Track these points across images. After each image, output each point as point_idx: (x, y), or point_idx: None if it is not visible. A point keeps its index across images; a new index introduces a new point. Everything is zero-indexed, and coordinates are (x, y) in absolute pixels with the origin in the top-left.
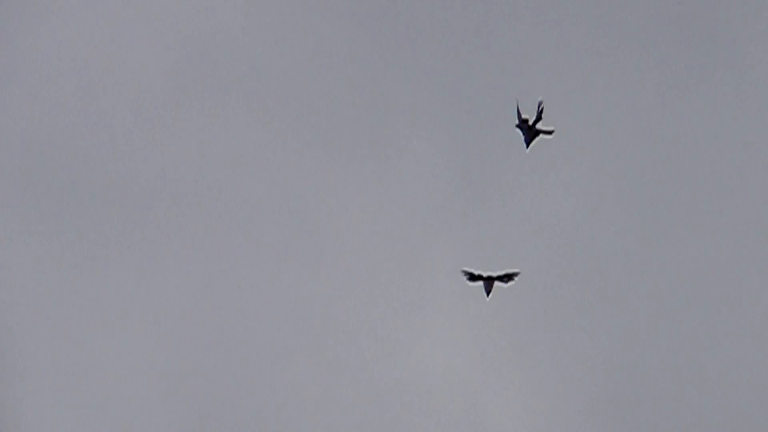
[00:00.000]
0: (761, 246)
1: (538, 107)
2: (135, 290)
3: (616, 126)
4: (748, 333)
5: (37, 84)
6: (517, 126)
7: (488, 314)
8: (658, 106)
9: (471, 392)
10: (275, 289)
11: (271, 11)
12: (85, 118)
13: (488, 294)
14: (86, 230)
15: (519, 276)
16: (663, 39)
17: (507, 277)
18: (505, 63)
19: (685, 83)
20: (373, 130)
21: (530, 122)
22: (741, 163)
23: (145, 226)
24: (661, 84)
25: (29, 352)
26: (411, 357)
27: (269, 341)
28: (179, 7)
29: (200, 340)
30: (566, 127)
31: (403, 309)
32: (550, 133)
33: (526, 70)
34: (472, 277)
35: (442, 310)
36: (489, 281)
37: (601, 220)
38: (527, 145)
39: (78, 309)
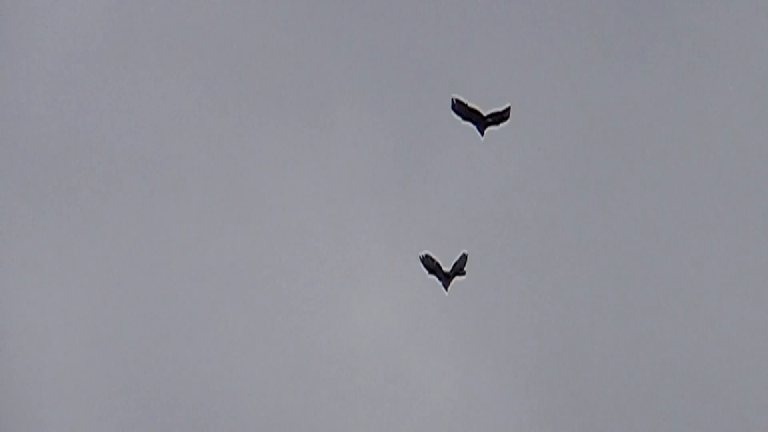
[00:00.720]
0: (705, 211)
1: (502, 113)
2: (64, 248)
3: (552, 94)
4: (691, 299)
5: None
6: (464, 117)
7: (420, 279)
8: (592, 73)
9: (402, 357)
10: (207, 251)
11: None
12: (15, 80)
13: (446, 288)
14: (15, 192)
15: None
16: (600, 3)
17: (460, 270)
18: (442, 30)
19: (623, 50)
20: (308, 95)
21: (485, 116)
22: (679, 126)
23: (77, 186)
24: (591, 52)
25: None
26: (342, 321)
27: (200, 302)
28: None
29: (128, 299)
30: (501, 96)
31: (335, 274)
32: (503, 116)
33: (462, 36)
34: (429, 269)
35: (374, 274)
36: (447, 277)
37: (537, 188)
38: (481, 134)
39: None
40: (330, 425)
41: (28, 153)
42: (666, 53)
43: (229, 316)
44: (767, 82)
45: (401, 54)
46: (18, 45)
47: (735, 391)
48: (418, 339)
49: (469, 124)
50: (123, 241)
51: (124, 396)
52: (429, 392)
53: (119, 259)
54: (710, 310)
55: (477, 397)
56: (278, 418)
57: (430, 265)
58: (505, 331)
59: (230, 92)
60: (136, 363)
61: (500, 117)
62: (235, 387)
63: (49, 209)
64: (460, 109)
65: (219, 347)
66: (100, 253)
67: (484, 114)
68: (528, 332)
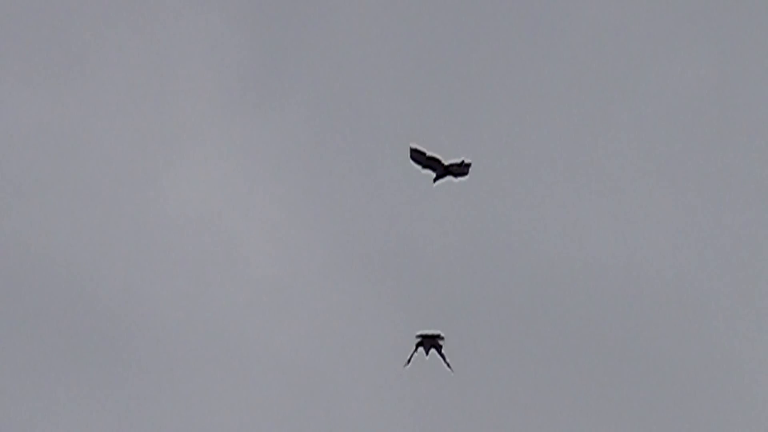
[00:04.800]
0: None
1: (460, 166)
2: None
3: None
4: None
5: None
6: (423, 165)
7: (251, 146)
8: None
9: (229, 227)
10: (29, 112)
11: None
12: None
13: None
14: None
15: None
16: None
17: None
18: None
19: None
20: None
21: (444, 164)
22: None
23: None
24: None
25: None
26: (167, 189)
27: (19, 166)
28: None
29: None
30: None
31: (162, 139)
32: (463, 168)
33: None
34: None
35: (202, 141)
36: (426, 342)
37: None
38: (435, 180)
39: None
40: (154, 294)
41: None
42: None
43: (48, 181)
44: None
45: None
46: None
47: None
48: (245, 211)
49: (428, 171)
50: None
51: None
52: (253, 261)
53: None
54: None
55: (302, 269)
56: (99, 288)
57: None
58: (331, 204)
59: None
60: None
61: (459, 170)
62: (54, 254)
63: None
64: (418, 157)
65: (37, 214)
66: None
67: (445, 163)
68: (357, 208)
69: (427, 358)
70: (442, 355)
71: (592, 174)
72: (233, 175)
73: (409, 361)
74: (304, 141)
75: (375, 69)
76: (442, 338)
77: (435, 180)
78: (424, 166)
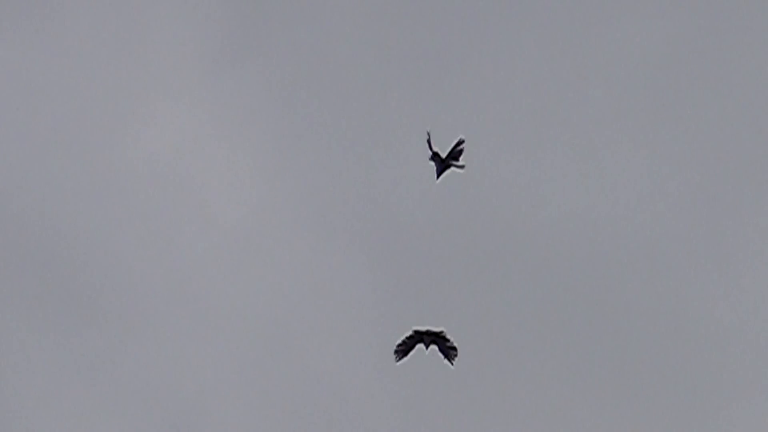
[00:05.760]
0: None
1: (456, 146)
2: None
3: None
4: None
5: None
6: (430, 158)
7: (222, 98)
8: None
9: (199, 177)
10: (2, 59)
11: None
12: None
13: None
14: None
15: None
16: None
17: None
18: None
19: None
20: None
21: (443, 156)
22: None
23: None
24: None
25: None
26: (137, 139)
27: None
28: None
29: None
30: None
31: (134, 89)
32: (461, 167)
33: None
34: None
35: (174, 93)
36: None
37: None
38: (438, 176)
39: None
40: (123, 241)
41: None
42: None
43: (15, 127)
44: None
45: None
46: None
47: None
48: (215, 161)
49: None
50: None
51: None
52: (223, 214)
53: None
54: None
55: (270, 220)
56: (67, 235)
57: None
58: (300, 156)
59: None
60: None
61: (455, 152)
62: (26, 202)
63: None
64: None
65: (9, 161)
66: None
67: (443, 155)
68: (326, 161)
69: (427, 352)
70: (443, 351)
71: (560, 129)
72: (204, 126)
73: (406, 353)
74: (275, 94)
75: (345, 25)
76: (445, 336)
77: (438, 175)
78: (431, 158)
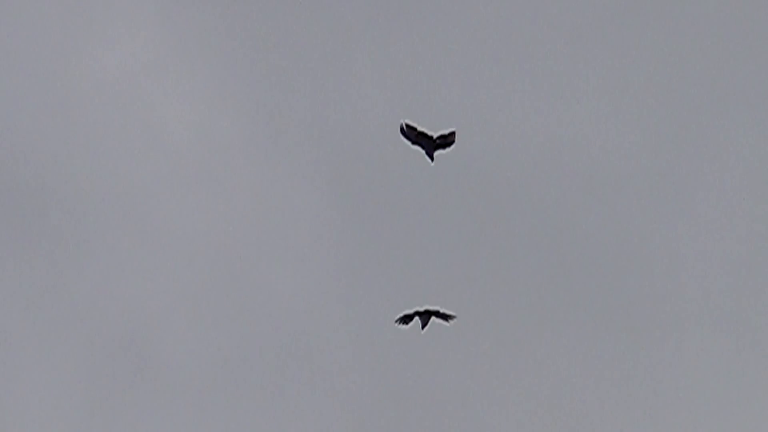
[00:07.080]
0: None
1: (449, 137)
2: None
3: None
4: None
5: None
6: (413, 141)
7: (175, 17)
8: None
9: (149, 97)
10: None
11: None
12: None
13: (424, 327)
14: None
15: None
16: None
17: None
18: None
19: None
20: None
21: (434, 138)
22: None
23: None
24: None
25: None
26: (88, 57)
27: None
28: None
29: None
30: None
31: (84, 12)
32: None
33: None
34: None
35: (126, 11)
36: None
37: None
38: (431, 159)
39: None
40: (72, 161)
41: None
42: None
43: None
44: None
45: None
46: None
47: None
48: (166, 81)
49: (417, 148)
50: None
51: None
52: (173, 135)
53: None
54: None
55: (221, 143)
56: (16, 154)
57: (411, 134)
58: (255, 80)
59: None
60: None
61: (446, 141)
62: None
63: None
64: (409, 133)
65: None
66: None
67: (434, 136)
68: (283, 84)
69: (423, 332)
70: (442, 315)
71: (512, 50)
72: (158, 48)
73: (406, 323)
74: (230, 15)
75: None
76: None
77: (431, 158)
78: (414, 143)
